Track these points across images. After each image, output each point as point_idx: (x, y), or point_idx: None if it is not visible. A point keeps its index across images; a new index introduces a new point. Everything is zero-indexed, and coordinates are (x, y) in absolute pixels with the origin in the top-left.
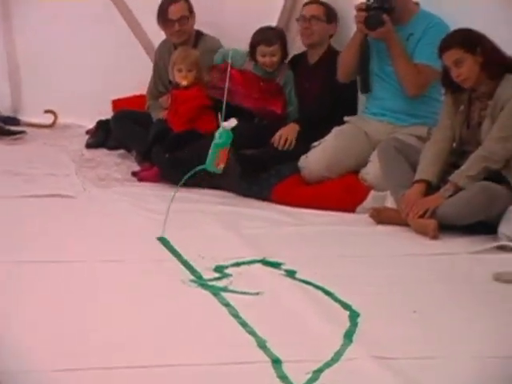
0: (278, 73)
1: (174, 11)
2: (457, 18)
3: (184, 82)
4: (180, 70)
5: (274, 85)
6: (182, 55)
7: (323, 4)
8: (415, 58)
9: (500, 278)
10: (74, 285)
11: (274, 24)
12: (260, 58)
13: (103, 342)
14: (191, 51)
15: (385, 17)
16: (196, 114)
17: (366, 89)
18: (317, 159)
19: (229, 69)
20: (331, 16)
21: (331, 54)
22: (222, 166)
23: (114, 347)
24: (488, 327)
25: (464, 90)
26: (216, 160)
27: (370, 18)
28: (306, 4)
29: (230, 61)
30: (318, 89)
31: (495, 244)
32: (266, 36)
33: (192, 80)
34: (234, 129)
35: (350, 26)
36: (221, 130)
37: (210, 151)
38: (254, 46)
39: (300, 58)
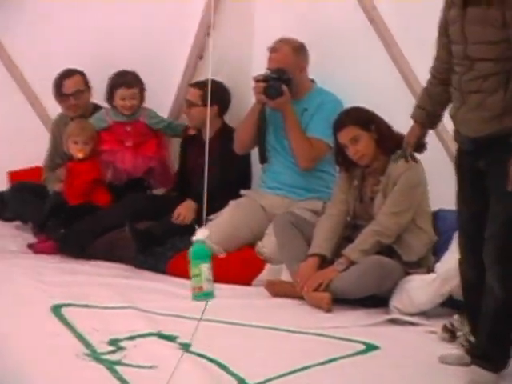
0: (139, 113)
1: (69, 85)
2: (350, 95)
3: (80, 155)
4: (76, 143)
5: (140, 124)
6: (78, 128)
7: (202, 87)
8: (309, 132)
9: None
10: None
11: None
12: (119, 102)
13: None
14: (87, 124)
15: (283, 87)
16: (91, 187)
17: (264, 160)
18: (213, 233)
19: None
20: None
21: (225, 131)
22: (209, 287)
23: None
24: None
25: (357, 166)
26: (198, 283)
27: (270, 87)
28: (190, 86)
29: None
30: (212, 164)
31: (387, 317)
32: (125, 79)
33: (88, 153)
34: (129, 201)
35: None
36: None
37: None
38: (112, 89)
39: (193, 134)
